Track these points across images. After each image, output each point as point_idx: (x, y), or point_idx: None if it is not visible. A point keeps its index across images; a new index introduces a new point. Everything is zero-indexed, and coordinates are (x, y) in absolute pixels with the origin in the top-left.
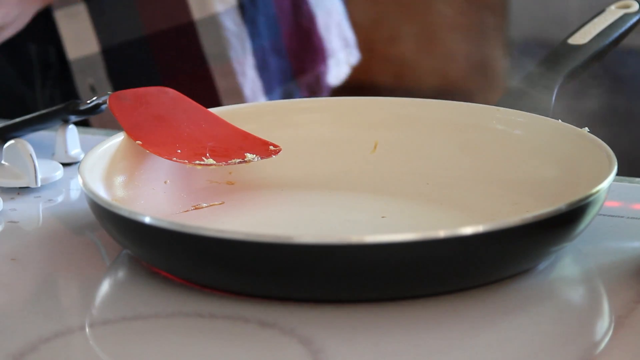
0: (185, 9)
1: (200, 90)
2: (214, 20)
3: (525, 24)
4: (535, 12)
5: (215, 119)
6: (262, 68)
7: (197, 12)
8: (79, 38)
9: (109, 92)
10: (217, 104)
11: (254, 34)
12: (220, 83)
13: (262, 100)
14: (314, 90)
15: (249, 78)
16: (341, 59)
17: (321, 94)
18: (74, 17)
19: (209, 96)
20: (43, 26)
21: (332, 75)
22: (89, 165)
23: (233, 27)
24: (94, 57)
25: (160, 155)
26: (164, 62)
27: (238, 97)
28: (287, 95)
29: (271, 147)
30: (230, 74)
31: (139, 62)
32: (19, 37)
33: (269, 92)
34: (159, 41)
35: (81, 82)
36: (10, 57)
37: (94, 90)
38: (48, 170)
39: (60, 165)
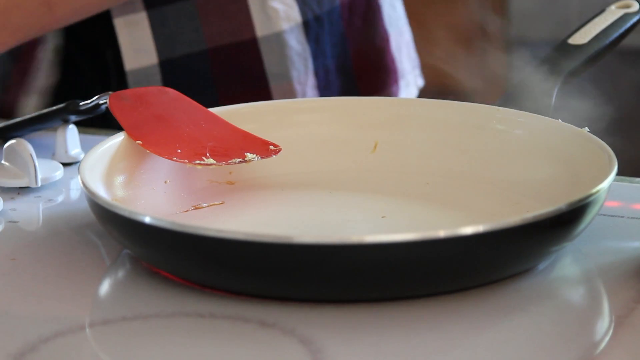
0: (249, 25)
1: None
2: (278, 38)
3: (525, 24)
4: (535, 12)
5: (215, 118)
6: (324, 88)
7: (261, 29)
8: (137, 48)
9: (109, 92)
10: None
11: (317, 54)
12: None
13: None
14: None
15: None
16: (410, 80)
17: None
18: (133, 25)
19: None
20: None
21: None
22: (89, 165)
23: (297, 45)
24: (151, 68)
25: (161, 155)
26: (222, 77)
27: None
28: None
29: (271, 147)
30: (290, 93)
31: (196, 77)
32: (99, 43)
33: None
34: (220, 56)
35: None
36: (91, 62)
37: None
38: (48, 170)
39: (60, 165)
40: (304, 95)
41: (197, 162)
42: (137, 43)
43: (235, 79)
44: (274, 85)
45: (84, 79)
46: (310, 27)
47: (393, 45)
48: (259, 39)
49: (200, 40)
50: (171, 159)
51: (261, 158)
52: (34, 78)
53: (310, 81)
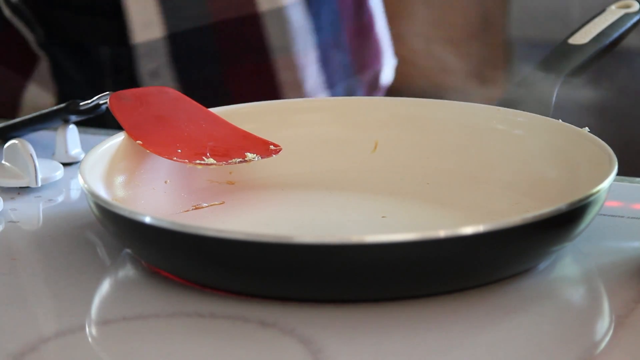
0: (252, 0)
1: (261, 82)
2: (280, 13)
3: (525, 24)
4: (536, 12)
5: (215, 118)
6: (324, 63)
7: (264, 3)
8: (145, 22)
9: (108, 92)
10: (277, 96)
11: (317, 28)
12: (282, 76)
13: (323, 96)
14: (373, 87)
15: (311, 72)
16: (389, 60)
17: (378, 92)
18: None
19: (270, 89)
20: (116, 28)
21: (385, 75)
22: (89, 165)
23: (299, 20)
24: (158, 42)
25: (161, 154)
26: (227, 51)
27: (299, 90)
28: (348, 91)
29: (271, 147)
30: (293, 67)
31: (202, 50)
32: (90, 41)
33: (331, 87)
34: (224, 30)
35: (143, 67)
36: (80, 63)
37: (154, 76)
38: (48, 170)
39: (61, 165)
40: (306, 67)
41: (197, 162)
42: (144, 16)
43: (240, 53)
44: (277, 58)
45: (70, 83)
46: (312, 1)
47: (379, 24)
48: (263, 13)
49: (205, 15)
50: (171, 159)
51: (261, 158)
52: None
53: (312, 55)
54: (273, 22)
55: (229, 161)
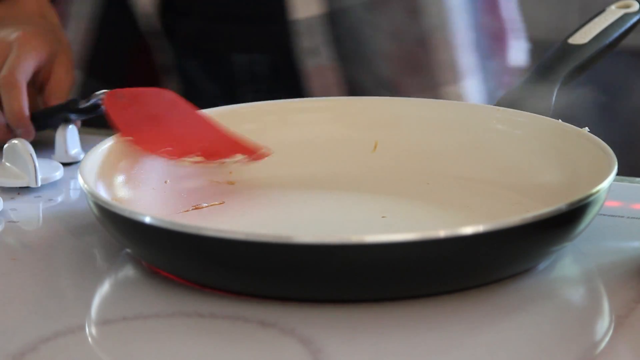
0: None
1: (417, 60)
2: None
3: (525, 23)
4: (535, 12)
5: (208, 123)
6: (475, 48)
7: None
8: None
9: (105, 90)
10: (432, 76)
11: (468, 8)
12: (439, 55)
13: (475, 78)
14: (507, 71)
15: (465, 52)
16: (521, 41)
17: (513, 74)
18: None
19: (426, 67)
20: (256, 34)
21: (518, 57)
22: (89, 165)
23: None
24: (316, 19)
25: (150, 151)
26: (385, 30)
27: (453, 70)
28: (493, 74)
29: (261, 151)
30: (449, 45)
31: (361, 28)
32: (226, 49)
33: (481, 70)
34: (383, 8)
35: (300, 45)
36: (215, 74)
37: (311, 54)
38: (48, 170)
39: (60, 165)
40: (462, 47)
41: (185, 158)
42: None
43: (398, 31)
44: (435, 37)
45: (203, 92)
46: None
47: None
48: None
49: None
50: (160, 155)
51: (250, 160)
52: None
53: (466, 35)
54: (432, 0)
55: (217, 160)
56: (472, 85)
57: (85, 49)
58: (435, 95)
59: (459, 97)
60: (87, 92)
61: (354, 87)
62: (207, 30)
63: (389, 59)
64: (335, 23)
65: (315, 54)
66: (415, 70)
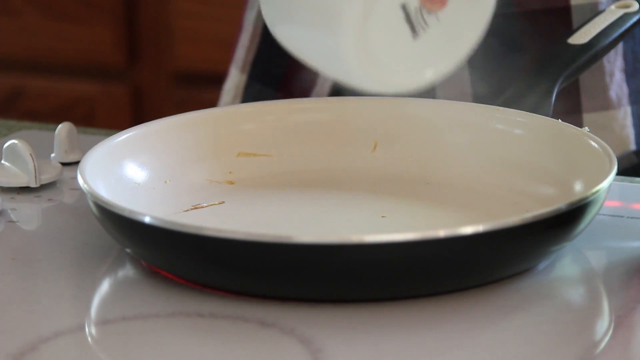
0: None
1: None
2: (592, 9)
3: None
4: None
5: None
6: (631, 74)
7: None
8: None
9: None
10: (577, 99)
11: (628, 36)
12: (585, 78)
13: (627, 109)
14: None
15: (616, 80)
16: None
17: None
18: None
19: (571, 89)
20: None
21: None
22: (89, 165)
23: None
24: None
25: None
26: (529, 43)
27: (603, 98)
28: None
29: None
30: (598, 70)
31: (505, 39)
32: None
33: (636, 102)
34: (529, 20)
35: None
36: None
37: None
38: (48, 170)
39: (60, 165)
40: (611, 74)
41: None
42: None
43: (541, 45)
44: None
45: None
46: None
47: None
48: (573, 7)
49: (509, 3)
50: None
51: None
52: None
53: (619, 62)
54: (581, 17)
55: None
56: (622, 116)
57: (249, 53)
58: (578, 122)
59: (605, 127)
60: (248, 95)
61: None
62: None
63: None
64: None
65: None
66: (560, 93)
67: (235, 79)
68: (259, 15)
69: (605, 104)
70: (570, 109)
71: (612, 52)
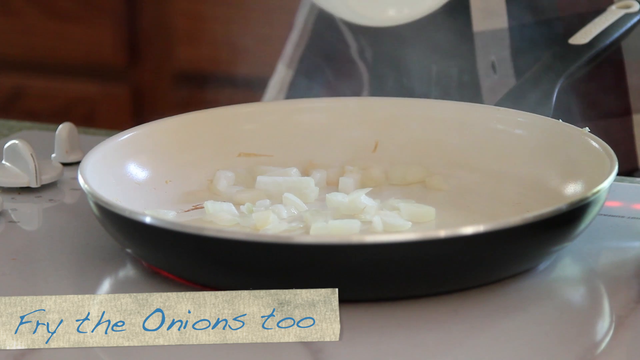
0: None
1: (608, 83)
2: None
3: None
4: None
5: None
6: None
7: None
8: (488, 10)
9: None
10: (626, 100)
11: None
12: (632, 79)
13: None
14: None
15: None
16: None
17: None
18: None
19: (619, 91)
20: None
21: None
22: (89, 165)
23: None
24: (501, 32)
25: None
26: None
27: None
28: None
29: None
30: None
31: (542, 44)
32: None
33: None
34: (570, 25)
35: (482, 58)
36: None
37: (494, 68)
38: (48, 170)
39: (61, 165)
40: None
41: None
42: (488, 4)
43: None
44: (628, 59)
45: None
46: None
47: None
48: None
49: (551, 7)
50: None
51: None
52: None
53: None
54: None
55: None
56: None
57: (297, 49)
58: (623, 123)
59: None
60: (295, 90)
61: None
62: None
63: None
64: (516, 37)
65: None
66: (605, 93)
67: (281, 74)
68: (310, 13)
69: None
70: (620, 111)
71: None
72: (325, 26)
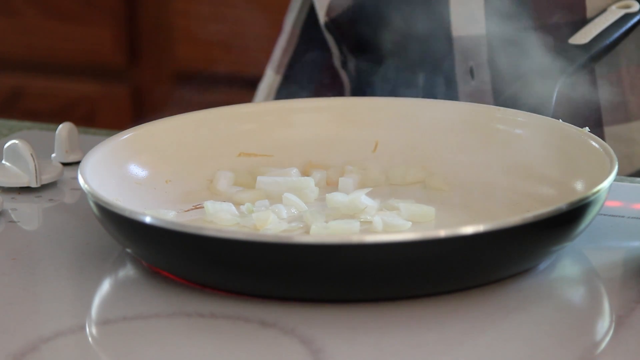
0: (581, 4)
1: (583, 92)
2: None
3: None
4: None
5: None
6: None
7: (592, 10)
8: (467, 15)
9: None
10: (598, 116)
11: None
12: (602, 92)
13: None
14: None
15: (637, 95)
16: None
17: None
18: None
19: (589, 104)
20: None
21: None
22: (89, 165)
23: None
24: (479, 38)
25: None
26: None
27: (621, 112)
28: None
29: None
30: (617, 84)
31: (519, 51)
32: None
33: None
34: (549, 34)
35: (460, 64)
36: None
37: (472, 74)
38: (48, 170)
39: (61, 165)
40: (632, 87)
41: None
42: (467, 9)
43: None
44: (598, 72)
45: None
46: None
47: None
48: (589, 20)
49: (528, 17)
50: None
51: None
52: None
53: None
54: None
55: None
56: None
57: (285, 54)
58: (600, 135)
59: (628, 140)
60: (282, 96)
61: None
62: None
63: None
64: (493, 44)
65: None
66: (570, 104)
67: (269, 79)
68: (298, 18)
69: (627, 118)
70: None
71: (632, 63)
72: (311, 34)
